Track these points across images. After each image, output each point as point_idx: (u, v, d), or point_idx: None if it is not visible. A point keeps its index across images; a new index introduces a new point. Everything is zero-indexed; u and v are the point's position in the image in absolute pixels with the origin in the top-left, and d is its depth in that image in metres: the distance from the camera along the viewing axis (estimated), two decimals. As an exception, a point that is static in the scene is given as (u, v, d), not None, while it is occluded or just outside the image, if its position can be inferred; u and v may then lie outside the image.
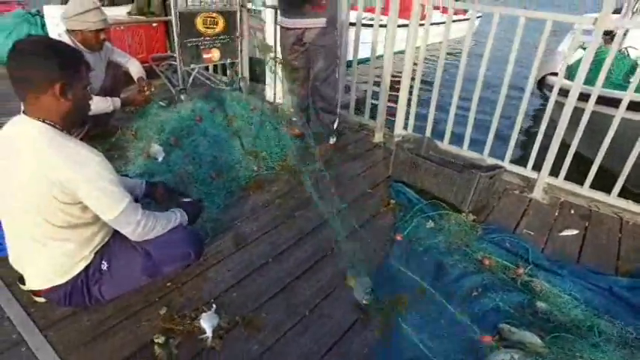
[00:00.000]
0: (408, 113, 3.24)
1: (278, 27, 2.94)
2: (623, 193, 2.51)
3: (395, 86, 3.20)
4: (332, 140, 3.13)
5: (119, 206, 1.36)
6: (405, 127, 3.29)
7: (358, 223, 2.23)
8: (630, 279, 1.89)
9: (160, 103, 3.21)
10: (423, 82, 3.21)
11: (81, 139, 1.41)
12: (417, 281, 1.81)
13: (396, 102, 3.24)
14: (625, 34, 4.80)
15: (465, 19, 8.90)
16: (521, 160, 2.84)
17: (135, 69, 2.91)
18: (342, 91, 3.44)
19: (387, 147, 3.21)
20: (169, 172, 2.40)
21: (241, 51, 3.65)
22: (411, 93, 3.17)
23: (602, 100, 2.44)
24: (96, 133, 2.77)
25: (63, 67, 1.26)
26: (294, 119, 3.15)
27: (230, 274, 1.82)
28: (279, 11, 2.83)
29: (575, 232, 2.29)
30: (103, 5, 2.78)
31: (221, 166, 2.55)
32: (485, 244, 2.07)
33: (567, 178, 2.64)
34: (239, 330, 1.54)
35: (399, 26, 3.01)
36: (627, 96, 2.30)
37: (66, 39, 2.45)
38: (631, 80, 2.32)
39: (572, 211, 2.50)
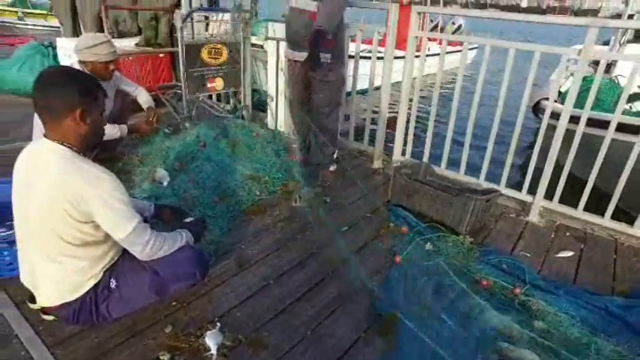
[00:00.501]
0: (405, 140, 3.35)
1: (284, 58, 3.05)
2: (618, 214, 2.57)
3: (393, 114, 3.31)
4: (332, 167, 3.22)
5: (129, 225, 1.42)
6: (403, 154, 3.38)
7: (358, 245, 2.28)
8: (625, 299, 1.93)
9: (165, 130, 3.33)
10: (419, 109, 3.33)
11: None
12: (417, 300, 1.85)
13: (394, 129, 3.35)
14: (614, 64, 5.01)
15: (459, 51, 9.21)
16: (517, 183, 2.91)
17: (144, 98, 3.03)
18: (342, 120, 3.56)
19: (385, 173, 3.29)
20: (174, 195, 2.47)
21: (244, 80, 3.79)
22: (408, 121, 3.29)
23: (591, 123, 2.55)
24: (103, 157, 2.85)
25: (82, 94, 1.36)
26: (294, 146, 3.25)
27: (233, 294, 1.86)
28: (287, 44, 2.95)
29: (570, 253, 2.34)
30: (112, 37, 2.92)
31: (224, 190, 2.63)
32: (483, 265, 2.12)
33: (563, 199, 2.71)
34: (243, 348, 1.58)
35: (396, 58, 3.15)
36: (615, 118, 2.41)
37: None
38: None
39: (568, 234, 2.55)
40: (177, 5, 4.44)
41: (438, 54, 3.20)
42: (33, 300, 1.62)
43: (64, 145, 1.36)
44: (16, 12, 12.18)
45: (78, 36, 4.67)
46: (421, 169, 2.86)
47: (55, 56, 4.47)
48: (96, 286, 1.51)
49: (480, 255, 2.22)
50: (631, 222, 2.52)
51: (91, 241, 1.44)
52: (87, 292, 1.50)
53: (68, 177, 1.32)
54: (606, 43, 6.45)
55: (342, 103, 2.96)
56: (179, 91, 3.84)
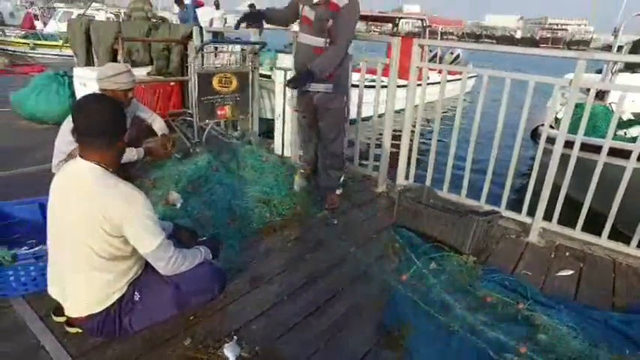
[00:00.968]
0: (408, 165, 3.48)
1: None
2: (616, 234, 2.67)
3: (396, 140, 3.46)
4: (338, 191, 3.33)
5: (156, 241, 1.53)
6: (407, 178, 3.50)
7: (366, 264, 2.37)
8: (625, 314, 2.00)
9: (176, 155, 3.45)
10: (422, 135, 3.47)
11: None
12: (424, 314, 1.92)
13: (397, 155, 3.49)
14: (608, 92, 5.21)
15: (459, 79, 9.49)
16: (517, 205, 3.02)
17: (159, 125, 3.16)
18: (346, 145, 3.70)
19: (389, 196, 3.40)
20: (188, 217, 2.57)
21: (252, 107, 3.95)
22: (411, 147, 3.43)
23: (585, 147, 2.69)
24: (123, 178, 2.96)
25: (117, 119, 1.50)
26: (302, 171, 3.37)
27: (248, 309, 1.94)
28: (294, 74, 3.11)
29: (570, 272, 2.42)
30: (127, 67, 3.09)
31: (236, 212, 2.73)
32: (486, 282, 2.20)
33: (562, 220, 2.81)
34: (260, 360, 1.65)
35: (398, 86, 3.32)
36: (607, 143, 2.54)
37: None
38: (617, 133, 2.58)
39: (567, 253, 2.64)
40: (189, 37, 4.66)
41: (438, 82, 3.37)
42: (57, 313, 1.71)
43: (100, 165, 1.48)
44: (28, 43, 12.85)
45: (91, 66, 4.88)
46: (424, 193, 2.97)
47: (71, 84, 4.65)
48: (120, 298, 1.60)
49: (483, 274, 2.31)
50: (628, 242, 2.62)
51: (119, 255, 1.53)
52: (112, 305, 1.58)
53: (104, 192, 1.44)
54: (600, 71, 6.71)
55: (345, 129, 3.10)
56: (189, 118, 4.00)
